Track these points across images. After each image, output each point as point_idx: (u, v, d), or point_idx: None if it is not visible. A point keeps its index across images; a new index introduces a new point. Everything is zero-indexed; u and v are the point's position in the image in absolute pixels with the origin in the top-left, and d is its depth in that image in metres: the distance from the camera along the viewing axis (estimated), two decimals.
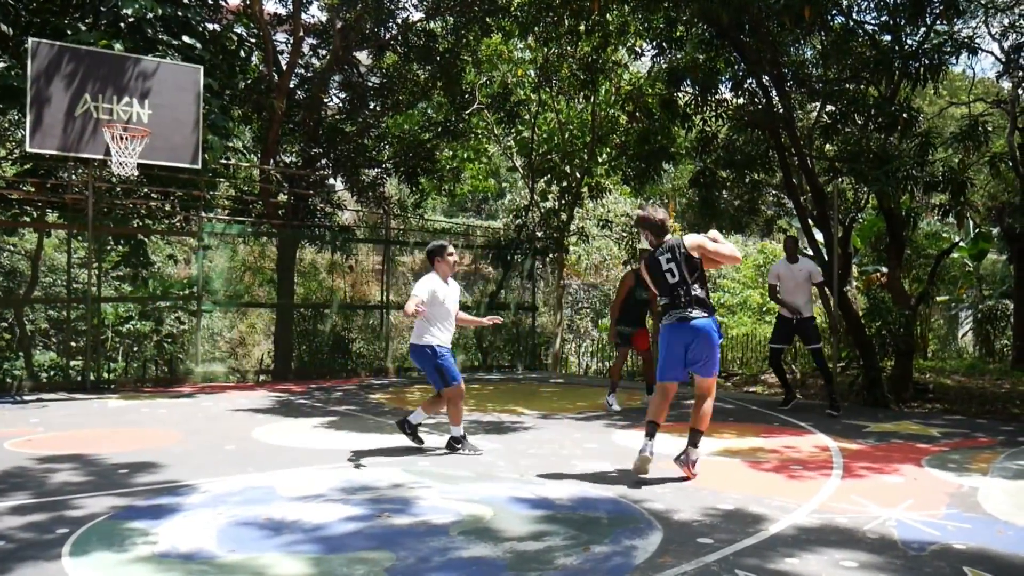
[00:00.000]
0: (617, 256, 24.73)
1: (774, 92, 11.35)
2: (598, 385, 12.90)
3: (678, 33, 12.05)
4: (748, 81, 11.75)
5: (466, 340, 16.56)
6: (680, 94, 12.86)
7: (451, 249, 6.63)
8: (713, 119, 12.60)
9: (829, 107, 11.55)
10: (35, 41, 9.17)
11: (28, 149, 9.44)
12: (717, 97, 12.34)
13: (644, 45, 14.87)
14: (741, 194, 14.50)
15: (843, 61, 11.02)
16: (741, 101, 12.34)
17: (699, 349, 5.49)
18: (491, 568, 3.68)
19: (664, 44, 12.34)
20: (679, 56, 12.55)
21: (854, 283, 13.67)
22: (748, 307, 20.47)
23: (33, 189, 12.22)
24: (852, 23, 11.19)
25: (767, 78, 11.40)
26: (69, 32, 9.80)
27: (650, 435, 5.46)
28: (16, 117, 13.98)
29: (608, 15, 13.54)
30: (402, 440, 7.03)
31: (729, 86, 12.50)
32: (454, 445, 6.55)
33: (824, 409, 9.10)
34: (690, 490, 5.22)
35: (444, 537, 4.14)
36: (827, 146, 12.35)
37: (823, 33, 11.18)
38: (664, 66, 12.76)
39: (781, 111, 11.22)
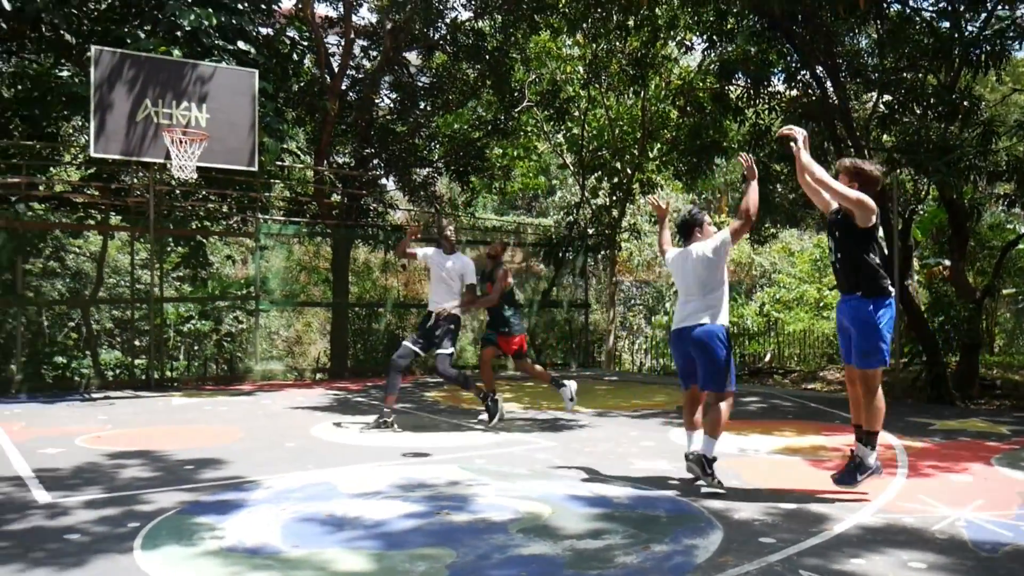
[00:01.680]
0: None
1: (828, 83, 11.15)
2: (653, 383, 12.83)
3: (729, 25, 11.90)
4: (802, 72, 11.56)
5: None
6: (732, 87, 12.71)
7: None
8: (766, 112, 12.42)
9: (886, 97, 11.30)
10: (98, 49, 9.43)
11: (92, 154, 9.72)
12: (770, 89, 12.15)
13: (694, 39, 14.72)
14: (796, 187, 14.27)
15: (900, 49, 10.77)
16: (794, 93, 12.14)
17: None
18: (551, 566, 3.69)
19: (715, 37, 12.20)
20: (730, 49, 12.40)
21: (915, 277, 13.36)
22: (805, 303, 20.13)
23: (97, 193, 12.58)
24: (909, 10, 10.94)
25: (821, 69, 11.20)
26: (129, 40, 10.06)
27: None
28: (80, 123, 14.41)
29: (657, 9, 13.44)
30: (457, 437, 7.10)
31: (782, 78, 12.31)
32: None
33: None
34: (750, 489, 5.16)
35: (503, 534, 4.15)
36: (884, 137, 12.09)
37: (878, 21, 10.95)
38: (715, 59, 12.62)
39: (836, 102, 11.01)
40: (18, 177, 11.44)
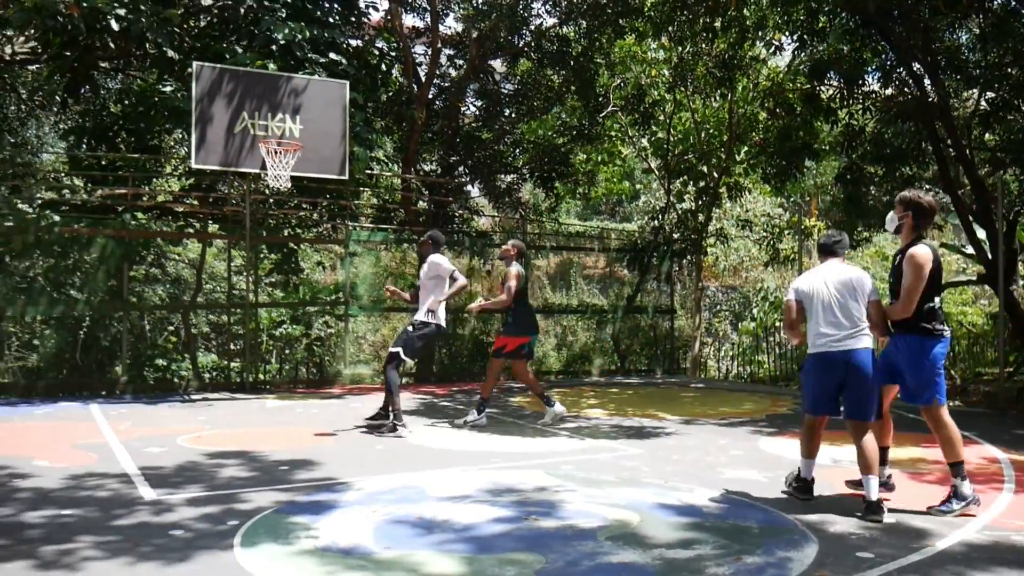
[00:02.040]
0: (756, 257, 24.03)
1: (927, 80, 10.76)
2: (740, 390, 12.60)
3: (820, 24, 11.62)
4: (898, 70, 11.21)
5: (603, 343, 16.53)
6: (823, 87, 12.39)
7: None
8: (860, 112, 12.07)
9: (989, 94, 10.84)
10: (199, 64, 9.83)
11: (193, 165, 10.13)
12: (864, 89, 11.80)
13: (783, 39, 14.40)
14: (891, 190, 13.79)
15: (1004, 44, 10.31)
16: (890, 91, 11.77)
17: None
18: (641, 574, 3.66)
19: (805, 36, 11.92)
20: (821, 48, 12.10)
21: (1021, 282, 12.74)
22: None
23: (196, 203, 13.11)
24: (1014, 3, 10.46)
25: (918, 66, 10.83)
26: (227, 56, 10.45)
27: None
28: (180, 136, 15.03)
29: (745, 10, 13.20)
30: (543, 443, 7.11)
31: (877, 76, 11.95)
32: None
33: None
34: (845, 501, 5.01)
35: (591, 541, 4.15)
36: (987, 136, 11.59)
37: (981, 15, 10.51)
38: (805, 59, 12.33)
39: (935, 100, 10.62)
40: (124, 188, 12.03)
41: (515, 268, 8.23)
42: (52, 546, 4.00)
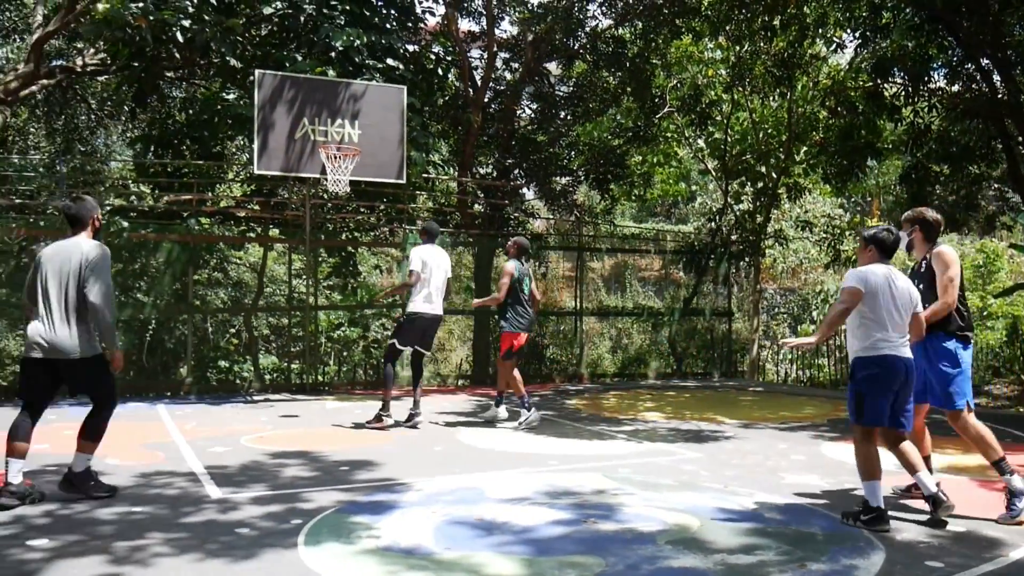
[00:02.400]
0: (816, 259, 23.58)
1: (996, 76, 10.45)
2: (800, 394, 12.39)
3: (884, 20, 11.36)
4: (965, 66, 10.90)
5: (659, 345, 16.40)
6: (887, 85, 12.12)
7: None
8: (925, 109, 11.77)
9: None
10: (261, 72, 10.05)
11: (256, 171, 10.35)
12: (930, 86, 11.51)
13: (845, 36, 14.13)
14: (957, 189, 13.44)
15: None
16: (957, 88, 11.45)
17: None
18: None
19: (868, 33, 11.68)
20: (884, 45, 11.84)
21: None
22: None
23: (258, 208, 13.39)
24: None
25: (987, 62, 10.52)
26: (288, 64, 10.65)
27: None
28: (242, 143, 15.37)
29: (805, 7, 12.98)
30: (600, 446, 7.10)
31: (943, 73, 11.65)
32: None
33: None
34: (912, 509, 4.89)
35: (651, 545, 4.12)
36: None
37: None
38: (867, 56, 12.08)
39: (1005, 96, 10.30)
40: (189, 194, 12.34)
41: (508, 265, 8.42)
42: (124, 542, 4.12)
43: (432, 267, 8.10)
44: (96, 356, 5.03)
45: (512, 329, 8.37)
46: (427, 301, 8.13)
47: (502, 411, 8.66)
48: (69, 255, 4.97)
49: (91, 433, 5.09)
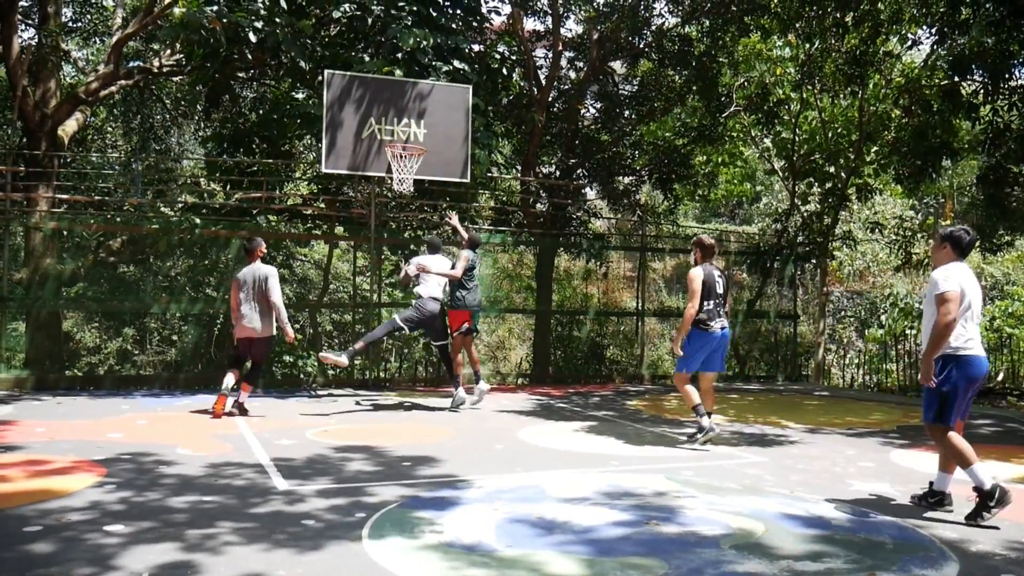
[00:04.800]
0: (885, 262, 22.99)
1: None
2: (867, 399, 12.10)
3: (963, 16, 11.00)
4: None
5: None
6: (965, 83, 11.74)
7: None
8: (1005, 108, 11.37)
9: None
10: (330, 72, 10.23)
11: (323, 170, 10.53)
12: (1011, 84, 11.11)
13: (920, 32, 13.73)
14: None
15: None
16: None
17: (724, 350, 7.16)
18: None
19: (945, 29, 11.33)
20: (962, 42, 11.47)
21: None
22: None
23: (324, 206, 13.63)
24: None
25: None
26: (355, 64, 10.81)
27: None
28: (309, 142, 15.67)
29: (880, 3, 12.65)
30: (661, 448, 7.04)
31: None
32: None
33: None
34: (987, 520, 4.73)
35: (715, 549, 4.07)
36: None
37: None
38: (944, 54, 11.72)
39: None
40: (259, 192, 12.63)
41: (465, 253, 9.42)
42: (196, 530, 4.24)
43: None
44: (271, 336, 8.60)
45: (462, 307, 9.42)
46: (427, 297, 9.23)
47: (461, 394, 9.54)
48: (255, 273, 8.49)
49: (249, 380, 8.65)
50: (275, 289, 8.45)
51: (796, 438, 7.80)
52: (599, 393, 11.90)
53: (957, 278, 4.69)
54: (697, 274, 7.03)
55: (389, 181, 10.58)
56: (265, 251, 8.83)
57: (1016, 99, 11.24)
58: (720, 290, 7.10)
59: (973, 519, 4.58)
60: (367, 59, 10.89)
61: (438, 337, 9.44)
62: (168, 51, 14.06)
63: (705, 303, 6.98)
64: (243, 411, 8.64)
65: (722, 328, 7.05)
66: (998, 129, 11.36)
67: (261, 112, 13.55)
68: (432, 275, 9.25)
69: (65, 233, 12.43)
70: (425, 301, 9.11)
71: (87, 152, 17.27)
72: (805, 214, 16.72)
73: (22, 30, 15.05)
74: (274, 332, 8.63)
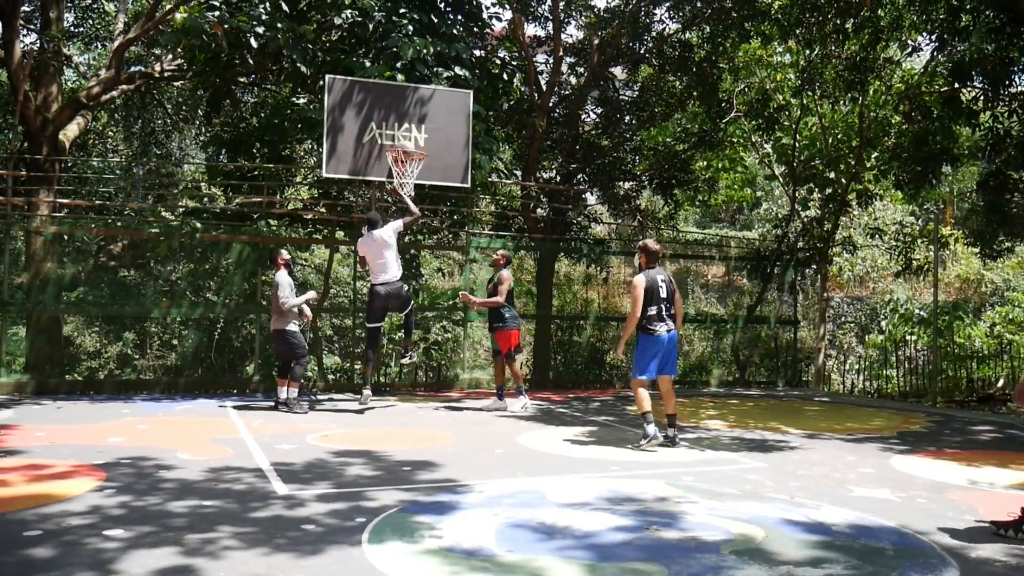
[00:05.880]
0: (884, 267, 23.02)
1: None
2: (867, 405, 12.10)
3: (963, 23, 11.03)
4: None
5: (722, 353, 16.17)
6: (965, 89, 11.76)
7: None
8: (1005, 115, 11.38)
9: None
10: (331, 77, 10.24)
11: (324, 174, 10.55)
12: (1011, 90, 11.14)
13: (920, 39, 13.76)
14: None
15: None
16: None
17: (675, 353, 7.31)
18: None
19: (945, 36, 11.35)
20: (962, 48, 11.49)
21: None
22: None
23: (324, 210, 13.63)
24: None
25: None
26: (357, 70, 10.83)
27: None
28: (310, 146, 15.69)
29: (880, 10, 12.68)
30: (663, 453, 7.04)
31: None
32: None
33: None
34: (986, 525, 4.73)
35: (715, 555, 4.07)
36: None
37: None
38: (944, 60, 11.74)
39: None
40: (259, 196, 12.64)
41: (507, 272, 9.80)
42: (196, 534, 4.24)
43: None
44: (281, 331, 9.23)
45: (518, 326, 9.96)
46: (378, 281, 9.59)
47: (524, 400, 9.95)
48: (277, 279, 9.27)
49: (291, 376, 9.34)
50: (279, 296, 9.17)
51: (796, 444, 7.80)
52: (599, 398, 11.89)
53: None
54: (639, 281, 7.24)
55: (389, 185, 10.58)
56: (287, 258, 9.52)
57: (1016, 105, 11.26)
58: (664, 294, 7.27)
59: (1007, 529, 4.49)
60: (368, 64, 10.91)
61: (396, 309, 9.87)
62: (169, 56, 14.09)
63: (648, 308, 7.17)
64: (285, 406, 9.33)
65: (668, 331, 7.25)
66: (998, 135, 11.38)
67: (262, 117, 13.57)
68: (376, 263, 9.49)
69: (66, 237, 12.43)
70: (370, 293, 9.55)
71: (88, 156, 17.31)
72: (805, 220, 16.73)
73: (24, 35, 15.09)
74: (285, 327, 9.22)
